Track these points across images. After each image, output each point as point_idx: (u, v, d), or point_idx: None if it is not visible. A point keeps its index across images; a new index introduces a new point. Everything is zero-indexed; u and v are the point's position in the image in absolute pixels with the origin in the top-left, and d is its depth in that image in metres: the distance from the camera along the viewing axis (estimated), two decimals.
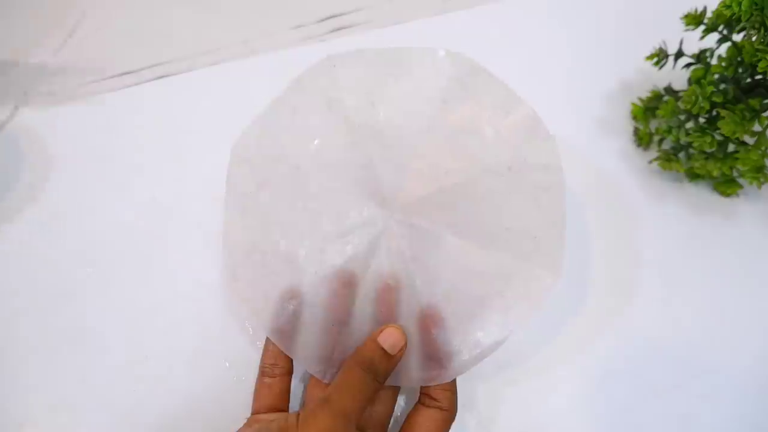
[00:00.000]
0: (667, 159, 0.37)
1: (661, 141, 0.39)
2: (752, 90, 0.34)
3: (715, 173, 0.34)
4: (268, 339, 0.29)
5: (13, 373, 0.32)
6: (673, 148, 0.37)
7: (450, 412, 0.27)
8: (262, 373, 0.29)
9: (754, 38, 0.32)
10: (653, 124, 0.38)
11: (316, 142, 0.29)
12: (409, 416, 0.28)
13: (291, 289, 0.28)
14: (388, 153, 0.29)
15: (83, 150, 0.39)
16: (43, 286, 0.34)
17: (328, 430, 0.24)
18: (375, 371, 0.26)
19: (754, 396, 0.32)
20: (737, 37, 0.34)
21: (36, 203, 0.37)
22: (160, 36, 0.44)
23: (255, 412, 0.28)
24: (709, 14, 0.35)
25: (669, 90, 0.38)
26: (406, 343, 0.27)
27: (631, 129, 0.40)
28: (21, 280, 0.34)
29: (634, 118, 0.40)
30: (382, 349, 0.26)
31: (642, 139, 0.39)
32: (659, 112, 0.36)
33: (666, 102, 0.36)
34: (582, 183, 0.38)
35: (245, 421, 0.28)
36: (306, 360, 0.28)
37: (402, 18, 0.45)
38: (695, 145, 0.34)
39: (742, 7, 0.32)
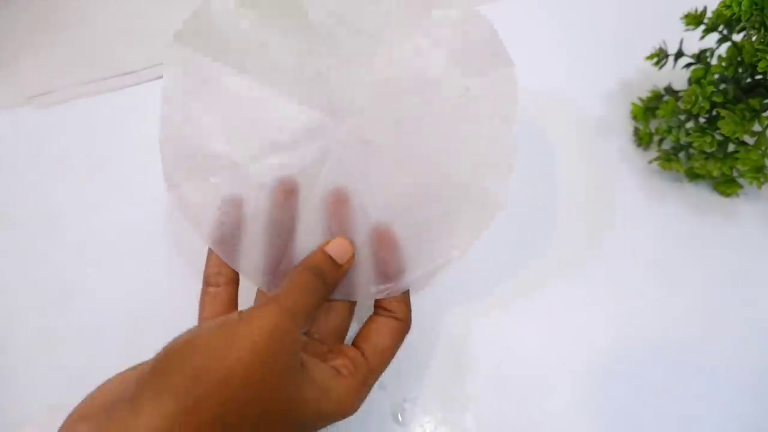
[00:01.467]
0: (667, 159, 0.37)
1: (661, 141, 0.39)
2: (752, 90, 0.34)
3: (715, 173, 0.34)
4: (210, 249, 0.28)
5: (13, 373, 0.32)
6: (673, 148, 0.37)
7: (404, 323, 0.28)
8: (206, 282, 0.28)
9: (754, 38, 0.32)
10: (653, 124, 0.38)
11: (267, 43, 0.28)
12: (364, 324, 0.28)
13: (232, 197, 0.28)
14: (345, 65, 0.28)
15: (84, 149, 0.39)
16: (43, 286, 0.34)
17: (272, 324, 0.23)
18: (323, 277, 0.26)
19: (754, 396, 0.32)
20: (737, 37, 0.34)
21: (37, 203, 0.37)
22: (160, 36, 0.44)
23: (202, 318, 0.28)
24: (709, 14, 0.35)
25: (669, 90, 0.38)
26: (353, 255, 0.28)
27: (631, 129, 0.40)
28: (21, 280, 0.34)
29: (634, 118, 0.40)
30: (331, 257, 0.27)
31: (642, 139, 0.39)
32: (659, 112, 0.36)
33: (666, 102, 0.36)
34: (582, 183, 0.38)
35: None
36: (250, 271, 0.28)
37: None
38: (695, 145, 0.34)
39: (742, 7, 0.32)
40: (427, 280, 0.28)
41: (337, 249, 0.27)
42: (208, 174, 0.28)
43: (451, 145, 0.28)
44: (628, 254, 0.36)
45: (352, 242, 0.28)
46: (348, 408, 0.25)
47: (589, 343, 0.34)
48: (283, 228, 0.28)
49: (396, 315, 0.28)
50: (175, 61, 0.28)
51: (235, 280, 0.28)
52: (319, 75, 0.28)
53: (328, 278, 0.26)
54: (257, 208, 0.28)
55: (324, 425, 0.25)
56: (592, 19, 0.45)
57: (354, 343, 0.27)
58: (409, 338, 0.33)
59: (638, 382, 0.32)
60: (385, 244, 0.28)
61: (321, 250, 0.27)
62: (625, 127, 0.40)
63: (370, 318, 0.28)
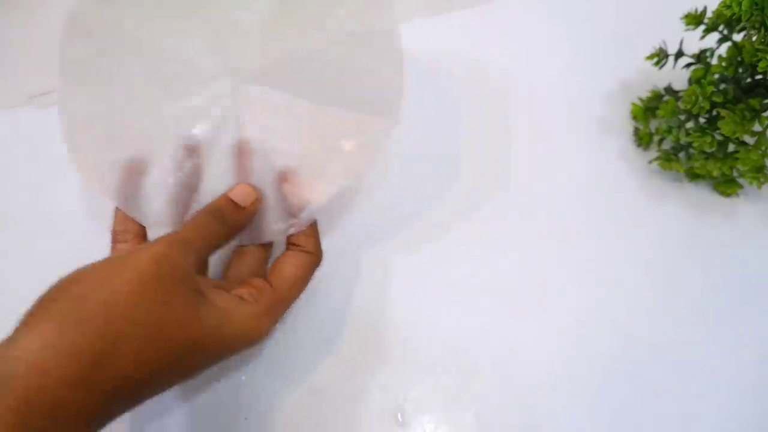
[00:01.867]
0: (667, 159, 0.37)
1: (661, 141, 0.39)
2: (752, 90, 0.34)
3: (715, 173, 0.34)
4: (116, 207, 0.29)
5: None
6: (673, 148, 0.37)
7: (315, 255, 0.29)
8: (114, 239, 0.29)
9: (754, 38, 0.32)
10: (653, 124, 0.38)
11: (160, 8, 0.29)
12: (276, 260, 0.29)
13: (136, 156, 0.29)
14: (236, 24, 0.30)
15: None
16: (44, 287, 0.34)
17: (159, 254, 0.23)
18: (222, 218, 0.27)
19: (754, 396, 0.32)
20: (737, 37, 0.34)
21: (39, 203, 0.37)
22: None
23: (119, 240, 0.29)
24: (709, 14, 0.35)
25: (669, 90, 0.38)
26: (258, 198, 0.29)
27: (631, 129, 0.40)
28: (21, 281, 0.34)
29: (634, 118, 0.40)
30: (233, 201, 0.28)
31: (642, 139, 0.39)
32: (659, 112, 0.36)
33: (666, 102, 0.36)
34: (582, 183, 0.38)
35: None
36: (157, 226, 0.29)
37: (402, 18, 0.45)
38: (695, 145, 0.34)
39: (743, 7, 0.32)
40: (321, 209, 0.29)
41: (239, 193, 0.28)
42: (111, 138, 0.29)
43: (343, 85, 0.30)
44: (628, 254, 0.36)
45: (255, 187, 0.29)
46: (253, 333, 0.25)
47: (588, 342, 0.34)
48: (187, 183, 0.29)
49: (305, 248, 0.29)
50: (74, 28, 0.29)
51: (141, 234, 0.29)
52: (215, 34, 0.29)
53: (228, 219, 0.27)
54: (161, 165, 0.29)
55: (231, 351, 0.25)
56: (591, 18, 0.45)
57: (265, 278, 0.28)
58: (410, 339, 0.33)
59: (638, 382, 0.32)
60: (285, 182, 0.29)
61: (223, 196, 0.28)
62: (625, 127, 0.40)
63: (281, 254, 0.29)
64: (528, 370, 0.33)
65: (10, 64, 0.42)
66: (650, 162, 0.38)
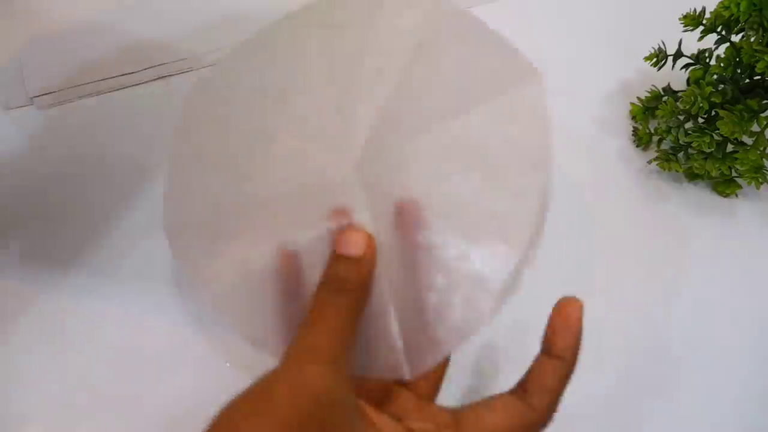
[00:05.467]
0: (666, 159, 0.37)
1: (660, 141, 0.39)
2: (751, 90, 0.34)
3: (714, 173, 0.34)
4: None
5: (13, 373, 0.32)
6: (672, 148, 0.37)
7: (540, 413, 0.22)
8: None
9: (752, 39, 0.32)
10: (652, 125, 0.39)
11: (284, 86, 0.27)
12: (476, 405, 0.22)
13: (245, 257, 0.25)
14: (350, 102, 0.26)
15: (86, 150, 0.39)
16: (44, 287, 0.34)
17: (317, 384, 0.18)
18: (345, 287, 0.21)
19: (754, 396, 0.32)
20: (736, 38, 0.34)
21: (40, 204, 0.37)
22: (161, 35, 0.44)
23: None
24: (707, 15, 0.35)
25: (668, 90, 0.38)
26: (372, 238, 0.22)
27: (630, 129, 0.40)
28: (22, 281, 0.34)
29: (634, 118, 0.40)
30: (345, 256, 0.22)
31: (641, 139, 0.39)
32: (658, 113, 0.36)
33: (665, 102, 0.36)
34: (581, 183, 0.38)
35: None
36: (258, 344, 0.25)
37: None
38: (694, 145, 0.34)
39: (741, 8, 0.32)
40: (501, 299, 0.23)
41: (348, 241, 0.22)
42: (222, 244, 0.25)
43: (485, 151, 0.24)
44: (627, 254, 0.36)
45: (359, 224, 0.23)
46: None
47: (588, 343, 0.34)
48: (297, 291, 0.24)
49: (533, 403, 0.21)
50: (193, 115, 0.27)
51: None
52: (340, 110, 0.26)
53: (352, 282, 0.21)
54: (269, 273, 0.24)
55: None
56: (591, 19, 0.45)
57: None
58: None
59: (638, 382, 0.32)
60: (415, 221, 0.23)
61: (331, 256, 0.22)
62: (624, 127, 0.40)
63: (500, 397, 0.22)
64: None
65: (12, 63, 0.42)
66: (649, 162, 0.38)
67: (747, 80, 0.34)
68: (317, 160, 0.25)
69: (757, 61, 0.31)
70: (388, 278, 0.23)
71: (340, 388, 0.19)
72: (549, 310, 0.36)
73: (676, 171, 0.37)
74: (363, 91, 0.26)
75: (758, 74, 0.33)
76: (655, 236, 0.37)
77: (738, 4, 0.32)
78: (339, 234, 0.23)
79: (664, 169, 0.37)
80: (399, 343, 0.23)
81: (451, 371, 0.27)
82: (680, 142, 0.36)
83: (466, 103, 0.25)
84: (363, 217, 0.24)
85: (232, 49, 0.28)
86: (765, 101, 0.33)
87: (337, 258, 0.22)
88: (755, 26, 0.32)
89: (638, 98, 0.40)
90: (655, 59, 0.37)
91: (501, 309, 0.23)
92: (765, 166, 0.34)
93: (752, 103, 0.32)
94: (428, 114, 0.25)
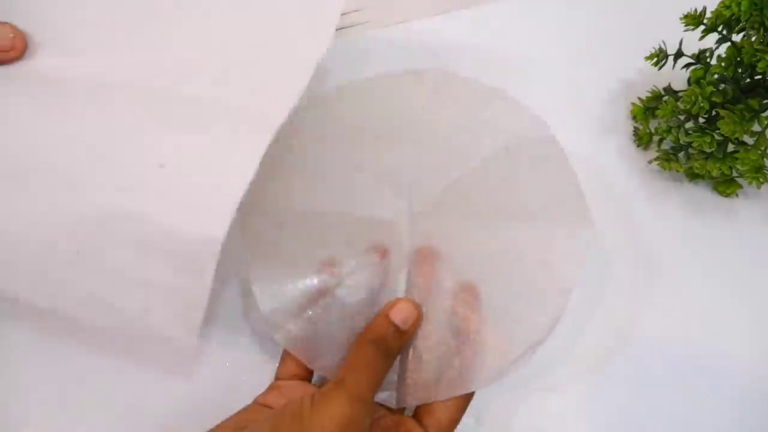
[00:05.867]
0: (667, 159, 0.37)
1: (660, 141, 0.39)
2: (752, 90, 0.34)
3: (715, 173, 0.34)
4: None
5: (13, 373, 0.32)
6: (672, 148, 0.37)
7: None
8: (277, 376, 0.29)
9: (753, 38, 0.32)
10: (653, 124, 0.39)
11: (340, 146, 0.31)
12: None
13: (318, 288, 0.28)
14: (395, 145, 0.30)
15: None
16: None
17: (345, 417, 0.22)
18: (387, 349, 0.25)
19: (754, 396, 0.32)
20: (737, 38, 0.34)
21: None
22: None
23: (278, 377, 0.28)
24: (708, 14, 0.35)
25: (669, 90, 0.38)
26: (419, 317, 0.26)
27: (631, 129, 0.40)
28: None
29: (634, 118, 0.40)
30: (394, 324, 0.25)
31: (642, 139, 0.39)
32: (659, 112, 0.36)
33: (666, 102, 0.36)
34: (582, 183, 0.38)
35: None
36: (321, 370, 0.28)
37: (402, 18, 0.45)
38: (695, 145, 0.34)
39: (742, 8, 0.32)
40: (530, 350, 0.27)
41: (401, 314, 0.26)
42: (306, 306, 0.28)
43: (516, 200, 0.29)
44: (627, 254, 0.36)
45: (417, 305, 0.27)
46: None
47: (589, 343, 0.34)
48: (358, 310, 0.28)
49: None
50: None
51: (304, 374, 0.29)
52: (397, 166, 0.31)
53: (392, 350, 0.25)
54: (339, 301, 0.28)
55: None
56: (592, 18, 0.45)
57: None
58: None
59: (638, 382, 0.32)
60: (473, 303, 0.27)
61: (384, 316, 0.26)
62: (624, 127, 0.40)
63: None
64: (527, 370, 0.33)
65: None
66: (650, 162, 0.38)
67: (748, 80, 0.34)
68: (385, 200, 0.30)
69: (758, 61, 0.31)
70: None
71: (366, 423, 0.23)
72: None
73: (677, 171, 0.37)
74: (444, 163, 0.31)
75: (759, 74, 0.33)
76: (656, 236, 0.37)
77: (739, 4, 0.32)
78: (395, 302, 0.26)
79: (665, 169, 0.37)
80: (394, 376, 0.27)
81: None
82: (681, 141, 0.36)
83: (523, 215, 0.29)
84: (400, 260, 0.28)
85: (348, 83, 0.33)
86: (766, 101, 0.33)
87: (387, 321, 0.26)
88: (756, 25, 0.31)
89: (639, 98, 0.40)
90: (655, 59, 0.37)
91: (492, 382, 0.26)
92: (766, 166, 0.34)
93: (753, 102, 0.32)
94: (488, 208, 0.29)
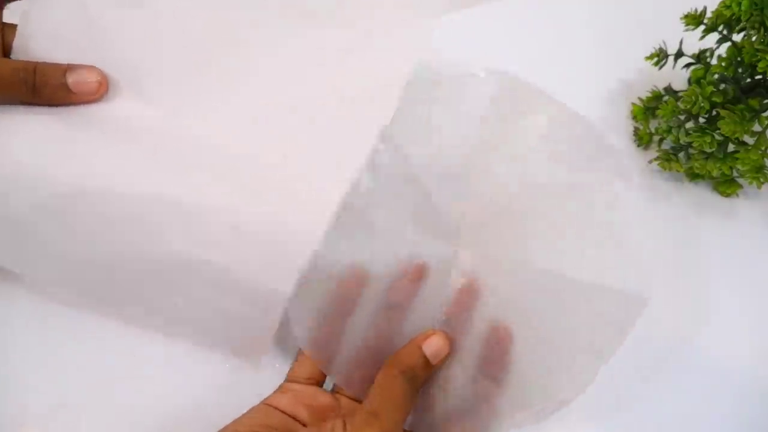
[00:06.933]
0: (667, 159, 0.37)
1: (661, 141, 0.39)
2: (752, 90, 0.34)
3: (715, 173, 0.34)
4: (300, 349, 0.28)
5: (13, 373, 0.32)
6: (673, 148, 0.37)
7: None
8: (288, 377, 0.28)
9: (753, 38, 0.32)
10: (653, 124, 0.39)
11: (367, 181, 0.27)
12: None
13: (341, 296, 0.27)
14: (443, 182, 0.27)
15: None
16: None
17: None
18: (415, 380, 0.25)
19: (754, 396, 0.32)
20: (737, 37, 0.34)
21: None
22: None
23: (290, 379, 0.28)
24: (709, 14, 0.35)
25: (669, 90, 0.38)
26: (450, 348, 0.26)
27: (631, 129, 0.40)
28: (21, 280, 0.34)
29: (634, 118, 0.40)
30: (425, 356, 0.25)
31: (642, 139, 0.39)
32: (659, 112, 0.36)
33: (666, 102, 0.36)
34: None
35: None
36: (339, 378, 0.27)
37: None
38: (695, 145, 0.34)
39: (742, 7, 0.32)
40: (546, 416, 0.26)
41: (433, 346, 0.25)
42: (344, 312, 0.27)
43: (572, 245, 0.26)
44: (627, 254, 0.36)
45: (450, 340, 0.26)
46: None
47: None
48: (385, 334, 0.27)
49: None
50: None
51: (316, 378, 0.28)
52: (424, 199, 0.28)
53: (419, 382, 0.25)
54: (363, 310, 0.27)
55: None
56: (591, 18, 0.45)
57: None
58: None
59: (638, 382, 0.32)
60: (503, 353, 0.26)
61: (417, 346, 0.25)
62: (625, 127, 0.40)
63: None
64: None
65: None
66: (650, 162, 0.38)
67: (748, 80, 0.34)
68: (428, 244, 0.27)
69: (759, 61, 0.31)
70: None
71: None
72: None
73: (677, 171, 0.37)
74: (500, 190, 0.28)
75: (759, 74, 0.33)
76: (656, 236, 0.36)
77: (739, 3, 0.32)
78: (428, 333, 0.25)
79: (665, 169, 0.37)
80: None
81: None
82: (681, 141, 0.35)
83: (577, 267, 0.26)
84: (438, 286, 0.26)
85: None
86: (766, 101, 0.33)
87: (418, 352, 0.25)
88: (756, 25, 0.31)
89: (639, 98, 0.40)
90: (656, 59, 0.37)
91: None
92: (766, 166, 0.34)
93: (753, 102, 0.32)
94: (542, 247, 0.27)
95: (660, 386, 0.32)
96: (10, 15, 0.28)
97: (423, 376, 0.25)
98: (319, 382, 0.28)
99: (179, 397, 0.31)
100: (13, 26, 0.28)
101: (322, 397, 0.26)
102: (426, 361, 0.25)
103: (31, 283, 0.32)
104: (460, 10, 0.45)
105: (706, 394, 0.32)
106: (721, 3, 0.33)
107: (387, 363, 0.25)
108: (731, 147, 0.34)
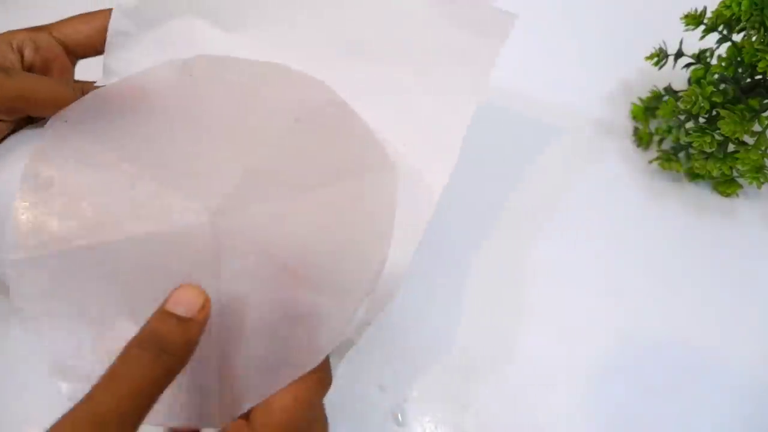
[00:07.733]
0: (667, 159, 0.37)
1: (661, 141, 0.39)
2: (752, 90, 0.34)
3: (715, 173, 0.34)
4: None
5: (13, 373, 0.32)
6: (673, 148, 0.37)
7: (321, 374, 0.22)
8: None
9: (753, 38, 0.32)
10: (653, 124, 0.39)
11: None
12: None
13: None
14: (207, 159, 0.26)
15: None
16: None
17: None
18: (161, 347, 0.19)
19: (754, 396, 0.32)
20: (737, 37, 0.34)
21: None
22: None
23: None
24: (709, 14, 0.35)
25: (669, 90, 0.38)
26: (208, 300, 0.21)
27: (631, 129, 0.40)
28: None
29: (634, 118, 0.40)
30: (173, 315, 0.20)
31: (642, 139, 0.39)
32: (659, 112, 0.36)
33: (666, 102, 0.36)
34: (582, 183, 0.38)
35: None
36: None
37: None
38: (695, 145, 0.34)
39: (742, 7, 0.32)
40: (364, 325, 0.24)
41: (181, 302, 0.20)
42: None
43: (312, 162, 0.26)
44: (628, 254, 0.36)
45: (199, 287, 0.21)
46: None
47: (589, 343, 0.34)
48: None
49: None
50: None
51: None
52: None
53: (174, 343, 0.19)
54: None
55: None
56: (591, 19, 0.45)
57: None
58: (410, 339, 0.33)
59: (638, 382, 0.32)
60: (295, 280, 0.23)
61: (159, 311, 0.20)
62: (625, 127, 0.40)
63: None
64: (528, 370, 0.33)
65: None
66: (650, 162, 0.38)
67: (748, 80, 0.34)
68: (173, 207, 0.25)
69: (759, 61, 0.31)
70: (218, 329, 0.23)
71: None
72: (549, 310, 0.36)
73: (677, 171, 0.37)
74: (231, 153, 0.27)
75: (759, 74, 0.33)
76: (656, 236, 0.37)
77: (739, 3, 0.32)
78: (171, 292, 0.20)
79: (665, 169, 0.37)
80: (215, 388, 0.23)
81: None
82: (681, 141, 0.35)
83: (326, 179, 0.26)
84: (207, 279, 0.23)
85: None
86: (766, 101, 0.33)
87: (162, 314, 0.20)
88: (756, 25, 0.31)
89: (639, 98, 0.40)
90: (656, 59, 0.37)
91: (335, 345, 0.23)
92: (766, 166, 0.34)
93: (753, 102, 0.32)
94: (292, 184, 0.26)
95: (659, 386, 0.32)
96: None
97: (180, 337, 0.20)
98: None
99: None
100: (90, 83, 0.26)
101: None
102: (177, 320, 0.20)
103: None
104: None
105: (705, 394, 0.32)
106: (721, 3, 0.33)
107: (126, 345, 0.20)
108: (731, 147, 0.34)
